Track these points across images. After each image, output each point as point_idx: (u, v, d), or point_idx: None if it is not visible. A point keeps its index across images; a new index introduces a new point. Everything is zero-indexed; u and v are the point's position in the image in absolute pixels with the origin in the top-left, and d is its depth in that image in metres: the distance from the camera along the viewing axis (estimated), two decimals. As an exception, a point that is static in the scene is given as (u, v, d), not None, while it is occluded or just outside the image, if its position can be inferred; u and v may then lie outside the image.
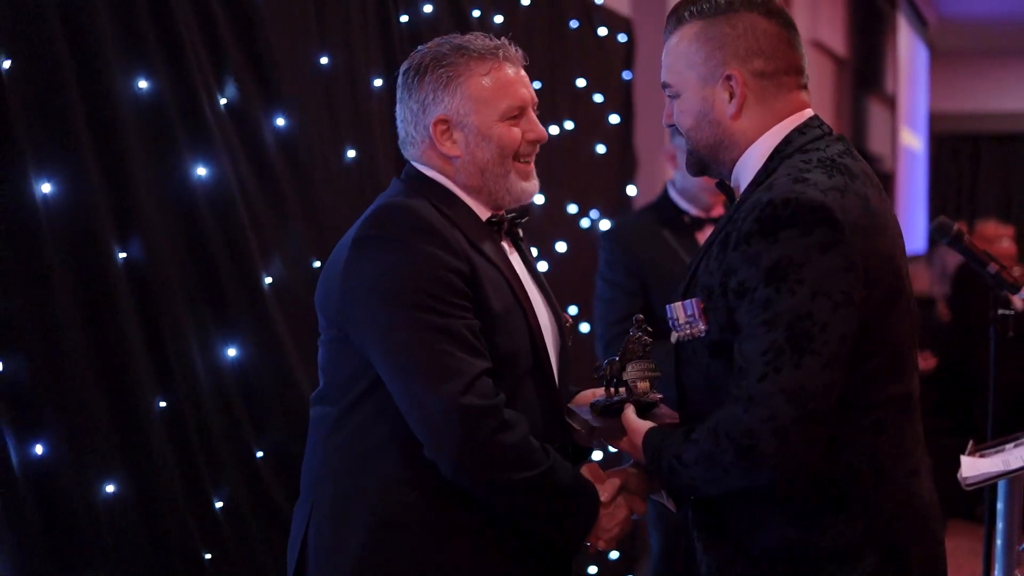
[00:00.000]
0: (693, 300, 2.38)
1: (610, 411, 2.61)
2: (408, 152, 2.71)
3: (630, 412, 2.57)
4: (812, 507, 2.38)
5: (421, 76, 2.61)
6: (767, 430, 2.22)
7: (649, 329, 2.66)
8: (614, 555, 5.63)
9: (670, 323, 2.45)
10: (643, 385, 2.61)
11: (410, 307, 2.42)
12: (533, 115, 2.67)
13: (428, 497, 2.49)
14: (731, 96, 2.45)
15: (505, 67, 2.63)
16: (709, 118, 2.48)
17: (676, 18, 2.51)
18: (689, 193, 4.56)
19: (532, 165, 2.70)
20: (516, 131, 2.63)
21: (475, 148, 2.60)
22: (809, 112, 2.52)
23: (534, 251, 5.06)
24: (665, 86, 2.55)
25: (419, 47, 2.71)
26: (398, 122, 2.71)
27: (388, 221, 2.51)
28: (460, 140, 2.61)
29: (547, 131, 2.72)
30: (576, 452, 2.80)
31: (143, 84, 3.24)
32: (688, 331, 2.40)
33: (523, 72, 2.70)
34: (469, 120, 2.59)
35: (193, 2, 3.42)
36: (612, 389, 2.63)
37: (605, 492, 2.61)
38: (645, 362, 2.62)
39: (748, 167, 2.47)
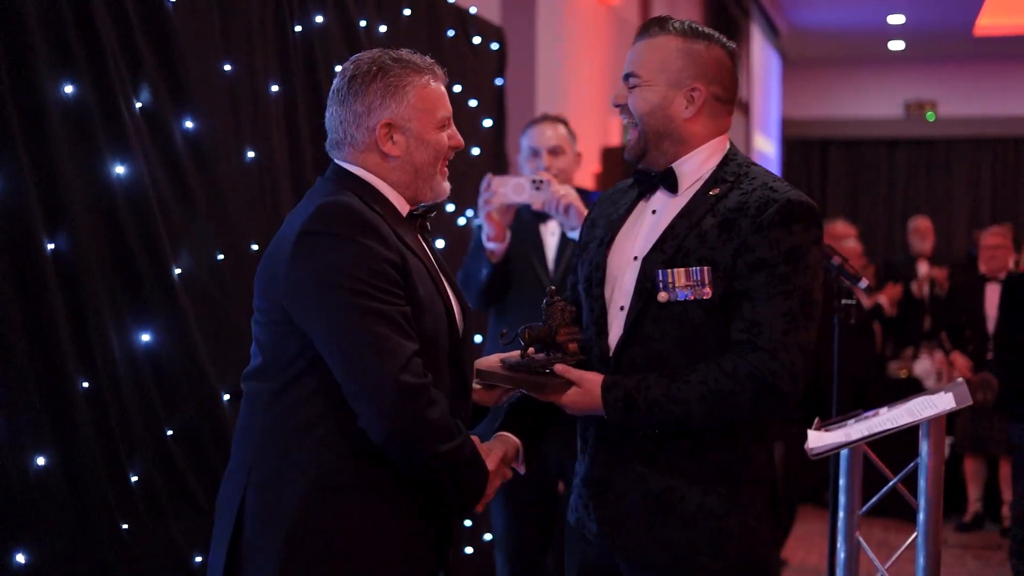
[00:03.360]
0: (703, 268, 2.90)
1: (545, 369, 2.97)
2: (341, 153, 2.92)
3: (573, 368, 2.97)
4: (743, 437, 2.97)
5: (368, 83, 2.85)
6: (787, 373, 2.85)
7: (566, 297, 3.08)
8: (467, 523, 5.86)
9: (660, 285, 2.93)
10: (573, 346, 3.01)
11: (352, 294, 2.68)
12: (453, 125, 2.99)
13: (358, 463, 2.76)
14: (687, 103, 2.99)
15: (438, 82, 2.94)
16: (665, 112, 3.00)
17: (660, 25, 3.02)
18: None
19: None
20: (445, 138, 2.93)
21: (414, 150, 2.89)
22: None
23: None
24: (631, 75, 3.02)
25: (355, 57, 2.93)
26: (334, 124, 2.91)
27: (332, 218, 2.73)
28: (400, 142, 2.87)
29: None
30: (474, 415, 3.13)
31: (68, 88, 3.45)
32: (689, 294, 2.91)
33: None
34: (411, 125, 2.87)
35: (112, 13, 3.62)
36: (531, 350, 3.00)
37: (491, 463, 2.94)
38: (572, 326, 3.03)
39: (695, 163, 3.03)
